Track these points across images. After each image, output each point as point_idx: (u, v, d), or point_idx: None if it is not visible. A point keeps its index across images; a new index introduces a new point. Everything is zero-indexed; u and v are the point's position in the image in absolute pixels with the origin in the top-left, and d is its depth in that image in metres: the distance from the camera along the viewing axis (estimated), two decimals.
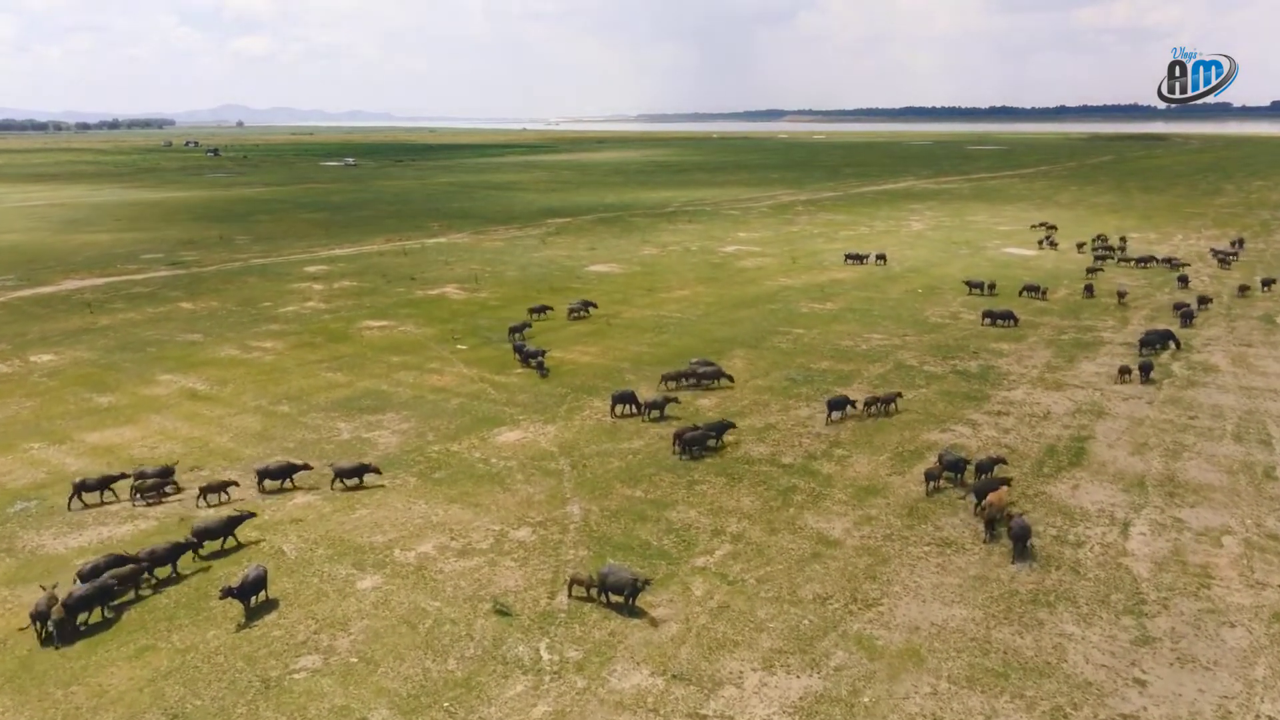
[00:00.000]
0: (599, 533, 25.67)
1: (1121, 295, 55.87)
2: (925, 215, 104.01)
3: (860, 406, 35.56)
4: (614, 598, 21.82)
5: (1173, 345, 43.96)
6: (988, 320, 49.92)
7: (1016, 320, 49.73)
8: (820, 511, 26.97)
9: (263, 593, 22.12)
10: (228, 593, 21.24)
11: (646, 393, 37.34)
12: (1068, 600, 22.10)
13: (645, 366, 42.39)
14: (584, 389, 39.01)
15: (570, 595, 22.28)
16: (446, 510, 27.25)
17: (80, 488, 27.84)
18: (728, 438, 32.78)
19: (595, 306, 53.81)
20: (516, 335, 46.93)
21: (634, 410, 35.57)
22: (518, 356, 42.60)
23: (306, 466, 29.51)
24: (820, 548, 24.76)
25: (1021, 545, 24.27)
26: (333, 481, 28.95)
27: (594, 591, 22.13)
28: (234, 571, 23.55)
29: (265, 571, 22.19)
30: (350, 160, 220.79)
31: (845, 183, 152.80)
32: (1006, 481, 27.61)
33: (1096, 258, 70.74)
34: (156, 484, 28.28)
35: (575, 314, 52.71)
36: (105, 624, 21.53)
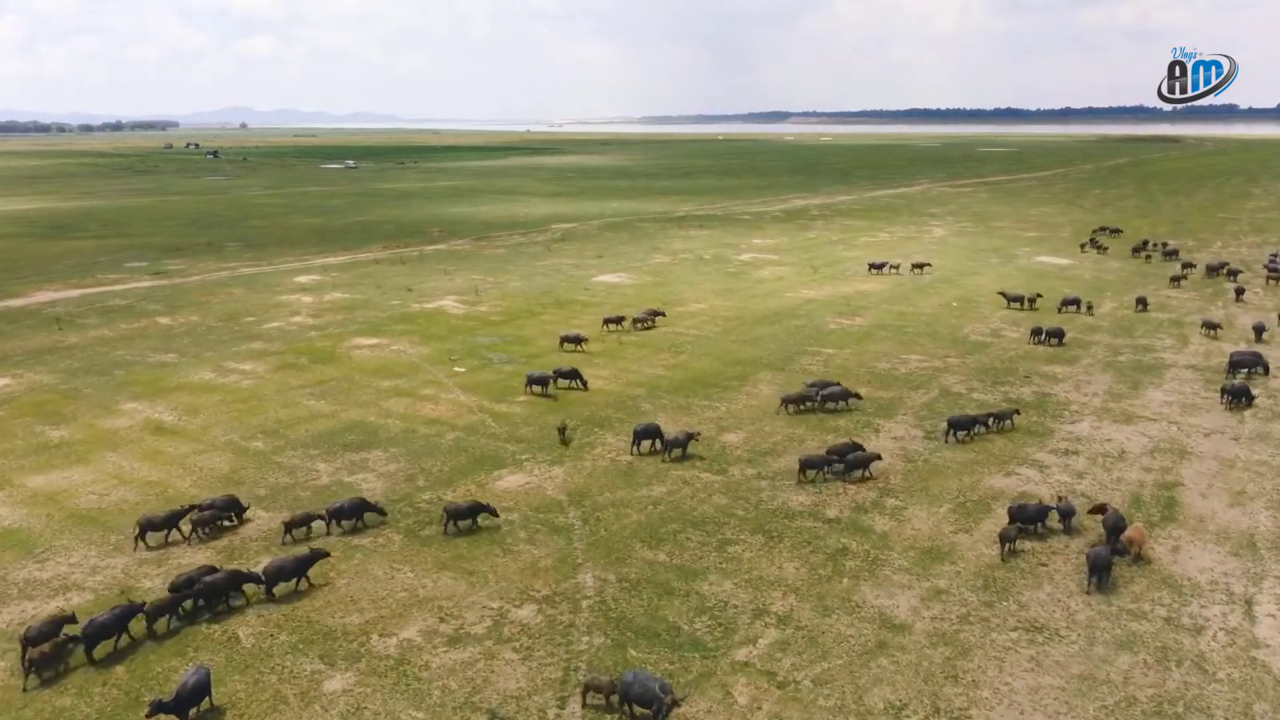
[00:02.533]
0: (617, 612, 21.44)
1: (1214, 327, 47.31)
2: (946, 220, 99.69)
3: (984, 425, 32.95)
4: (639, 710, 17.60)
5: (1261, 370, 39.59)
6: (1036, 338, 45.65)
7: (1064, 339, 45.48)
8: (879, 582, 22.72)
9: (206, 700, 17.92)
10: (158, 708, 17.03)
11: (661, 425, 33.17)
12: (1201, 713, 17.83)
13: (662, 394, 38.16)
14: (595, 420, 34.81)
15: (585, 704, 18.06)
16: (436, 580, 23.03)
17: (146, 526, 24.97)
18: (760, 482, 28.60)
19: (663, 314, 51.05)
20: (570, 345, 44.25)
21: (658, 447, 31.39)
22: (550, 381, 38.14)
23: (380, 510, 26.42)
24: (885, 634, 20.51)
25: (1100, 576, 22.25)
26: (445, 524, 25.57)
27: (614, 699, 17.92)
28: (175, 667, 19.40)
29: (207, 675, 17.97)
30: (351, 163, 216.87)
31: (858, 186, 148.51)
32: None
33: (1184, 266, 65.45)
34: (213, 515, 25.82)
35: (642, 324, 49.57)
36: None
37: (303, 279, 65.61)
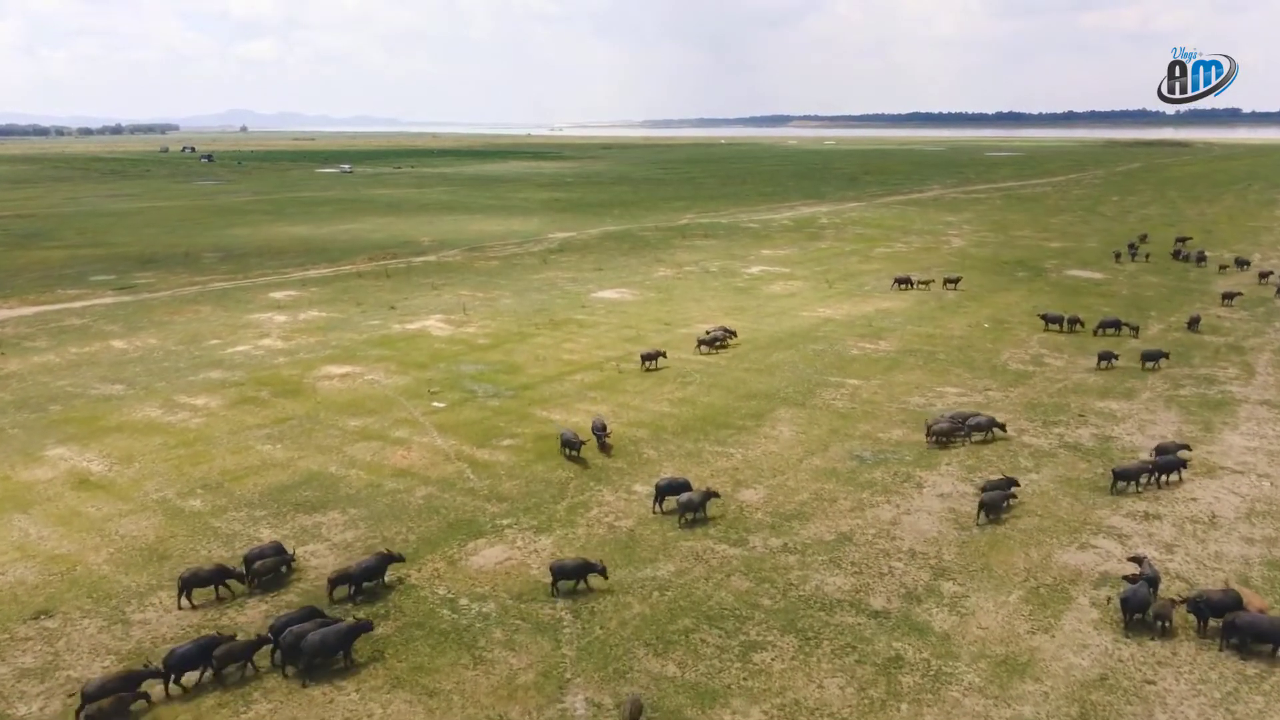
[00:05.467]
0: None
1: None
2: (964, 229, 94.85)
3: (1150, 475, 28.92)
4: None
5: None
6: (1104, 362, 42.08)
7: (1166, 357, 42.40)
8: (948, 710, 17.91)
9: None
10: None
11: (668, 474, 28.51)
12: None
13: (668, 436, 33.35)
14: (590, 472, 30.00)
15: None
16: (387, 705, 18.24)
17: (190, 582, 21.98)
18: (787, 558, 23.86)
19: (734, 335, 46.62)
20: (648, 362, 41.93)
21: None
22: (566, 449, 31.17)
23: (399, 558, 23.19)
24: None
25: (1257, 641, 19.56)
26: (553, 586, 22.27)
27: None
28: None
29: None
30: (346, 167, 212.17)
31: (867, 192, 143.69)
32: None
33: (1261, 275, 62.63)
34: (274, 564, 23.03)
35: (716, 344, 45.35)
36: None
37: (278, 295, 60.82)
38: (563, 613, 21.56)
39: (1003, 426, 32.98)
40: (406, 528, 25.97)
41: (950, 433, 32.08)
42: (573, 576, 22.33)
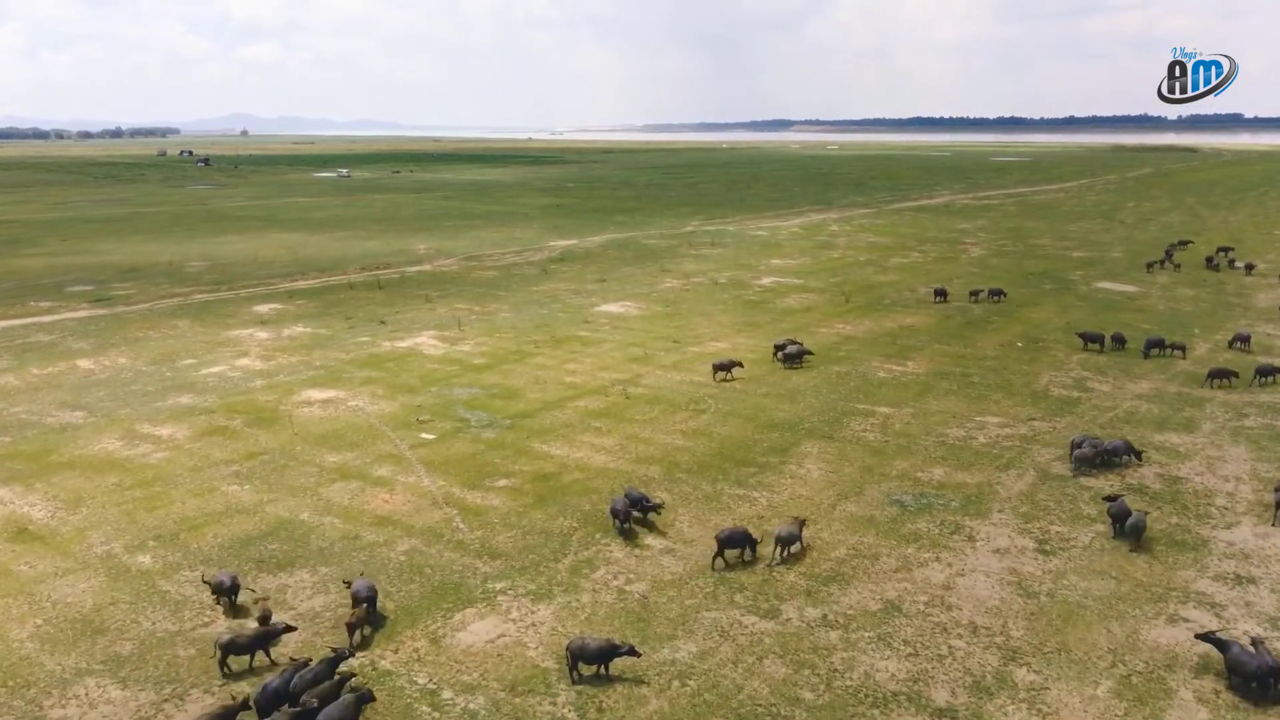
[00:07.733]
0: None
1: None
2: (980, 237, 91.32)
3: None
4: None
5: None
6: (1216, 381, 39.53)
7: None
8: None
9: None
10: None
11: (686, 522, 25.06)
12: None
13: (682, 475, 29.81)
14: (595, 520, 26.47)
15: None
16: None
17: (229, 649, 19.51)
18: (829, 634, 20.27)
19: (811, 354, 43.65)
20: (721, 373, 40.31)
21: (748, 555, 23.78)
22: (616, 520, 25.76)
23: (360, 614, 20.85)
24: None
25: None
26: (572, 670, 18.91)
27: None
28: None
29: None
30: (344, 171, 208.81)
31: (875, 198, 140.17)
32: None
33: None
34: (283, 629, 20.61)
35: (793, 360, 42.59)
36: None
37: (262, 308, 57.28)
38: (565, 710, 18.02)
39: (1139, 455, 30.54)
40: (384, 593, 22.39)
41: (1094, 460, 29.64)
42: (595, 661, 18.85)
